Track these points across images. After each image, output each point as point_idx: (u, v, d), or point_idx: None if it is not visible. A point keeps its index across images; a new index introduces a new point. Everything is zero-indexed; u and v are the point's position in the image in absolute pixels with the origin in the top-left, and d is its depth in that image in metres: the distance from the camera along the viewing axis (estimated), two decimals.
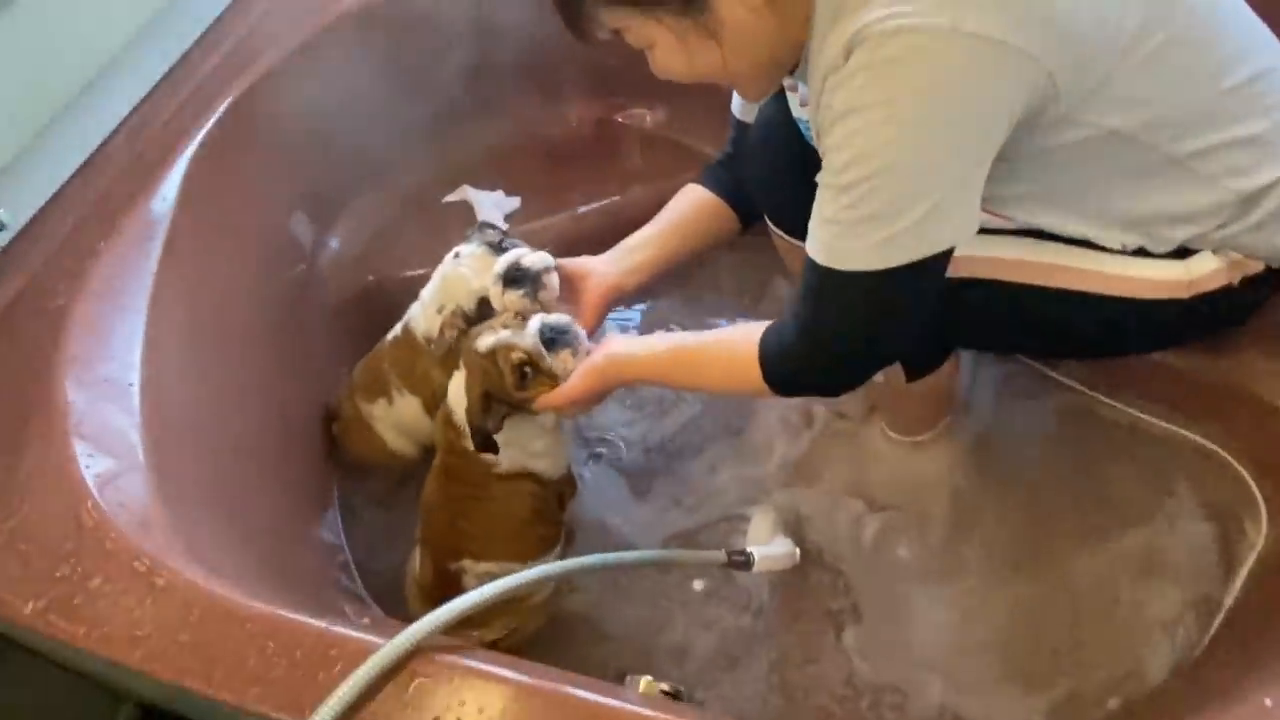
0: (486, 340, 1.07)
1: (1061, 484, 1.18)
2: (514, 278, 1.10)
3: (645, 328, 1.51)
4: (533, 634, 1.18)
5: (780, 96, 1.08)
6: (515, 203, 1.65)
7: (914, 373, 1.09)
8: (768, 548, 1.12)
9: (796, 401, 1.33)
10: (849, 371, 0.87)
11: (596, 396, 1.06)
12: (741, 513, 1.28)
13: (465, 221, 1.60)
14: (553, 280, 1.10)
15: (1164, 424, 1.17)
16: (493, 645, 1.13)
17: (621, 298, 1.15)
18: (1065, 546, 1.13)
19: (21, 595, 0.85)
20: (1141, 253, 0.92)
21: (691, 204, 1.18)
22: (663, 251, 1.16)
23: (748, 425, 1.35)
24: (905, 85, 0.72)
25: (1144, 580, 1.09)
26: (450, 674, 0.73)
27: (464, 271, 1.16)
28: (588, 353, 1.06)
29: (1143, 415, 1.19)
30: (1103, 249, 0.92)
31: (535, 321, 1.06)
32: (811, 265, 0.81)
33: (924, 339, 1.03)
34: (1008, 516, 1.18)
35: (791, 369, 0.88)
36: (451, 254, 1.20)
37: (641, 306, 1.53)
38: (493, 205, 1.63)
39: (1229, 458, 1.10)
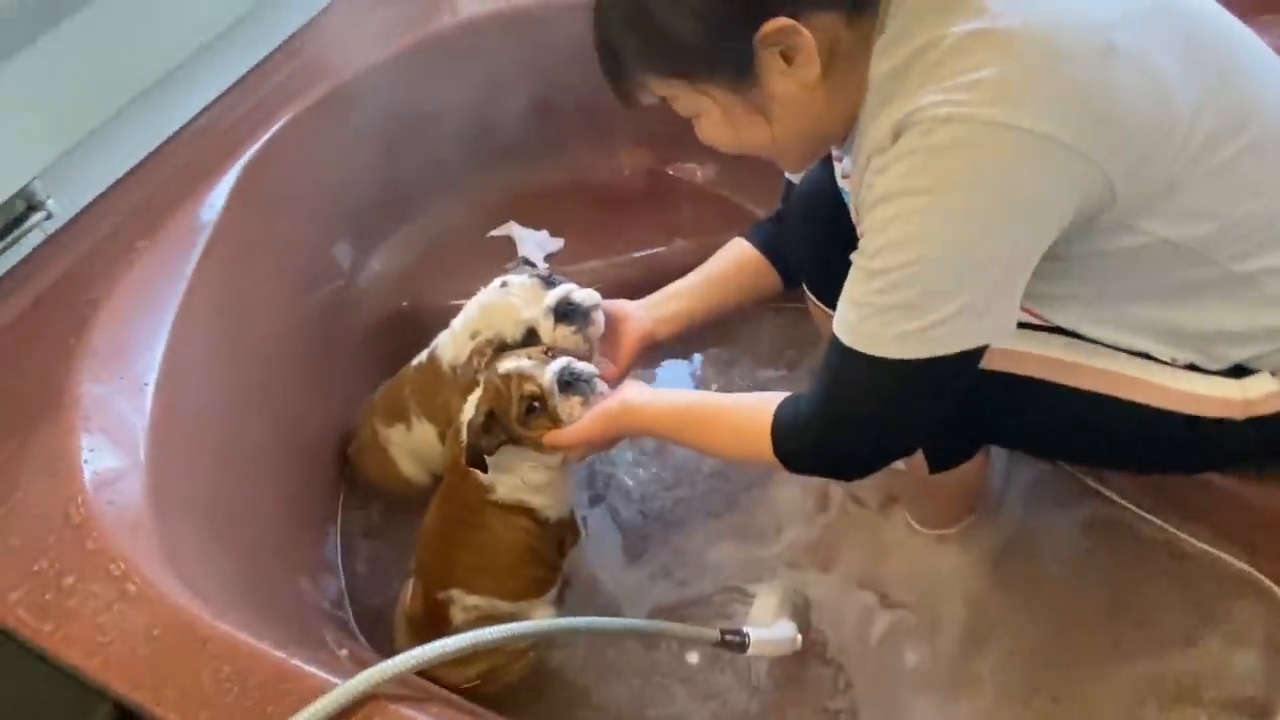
0: (508, 364, 1.08)
1: (1091, 599, 1.12)
2: (565, 312, 1.10)
3: (675, 384, 1.49)
4: (514, 683, 1.15)
5: (829, 161, 1.06)
6: (558, 244, 1.65)
7: (938, 464, 1.05)
8: (767, 630, 1.08)
9: (814, 483, 1.29)
10: (862, 457, 0.85)
11: (606, 441, 1.05)
12: (740, 588, 1.23)
13: (506, 257, 1.61)
14: (600, 318, 1.12)
15: (1206, 547, 1.11)
16: (470, 689, 1.10)
17: (656, 344, 1.15)
18: (1090, 667, 1.06)
19: (1, 585, 0.84)
20: (1193, 368, 0.88)
21: (735, 258, 1.18)
22: (701, 303, 1.16)
23: (759, 501, 1.31)
24: (950, 176, 0.70)
25: (1176, 709, 1.01)
26: None
27: (514, 301, 1.15)
28: (601, 398, 1.06)
29: (1182, 535, 1.13)
30: (1150, 358, 0.88)
31: (560, 362, 1.07)
32: (835, 343, 0.79)
33: (949, 431, 0.99)
34: (1029, 629, 1.11)
35: (803, 445, 0.86)
36: (498, 282, 1.19)
37: (675, 361, 1.51)
38: (535, 244, 1.63)
39: (1276, 589, 1.05)
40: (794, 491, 1.31)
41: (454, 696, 0.93)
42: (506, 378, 1.07)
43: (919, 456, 1.03)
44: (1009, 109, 0.68)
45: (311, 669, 0.74)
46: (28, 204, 1.16)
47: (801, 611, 1.16)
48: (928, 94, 0.70)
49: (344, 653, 1.06)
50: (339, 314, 1.48)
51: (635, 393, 1.03)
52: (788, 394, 0.89)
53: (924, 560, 1.20)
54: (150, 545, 0.88)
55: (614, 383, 1.10)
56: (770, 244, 1.17)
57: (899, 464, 0.93)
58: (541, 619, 1.10)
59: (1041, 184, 0.71)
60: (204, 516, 1.02)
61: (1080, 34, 0.70)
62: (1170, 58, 0.74)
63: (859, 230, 0.77)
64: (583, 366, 1.07)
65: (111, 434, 0.98)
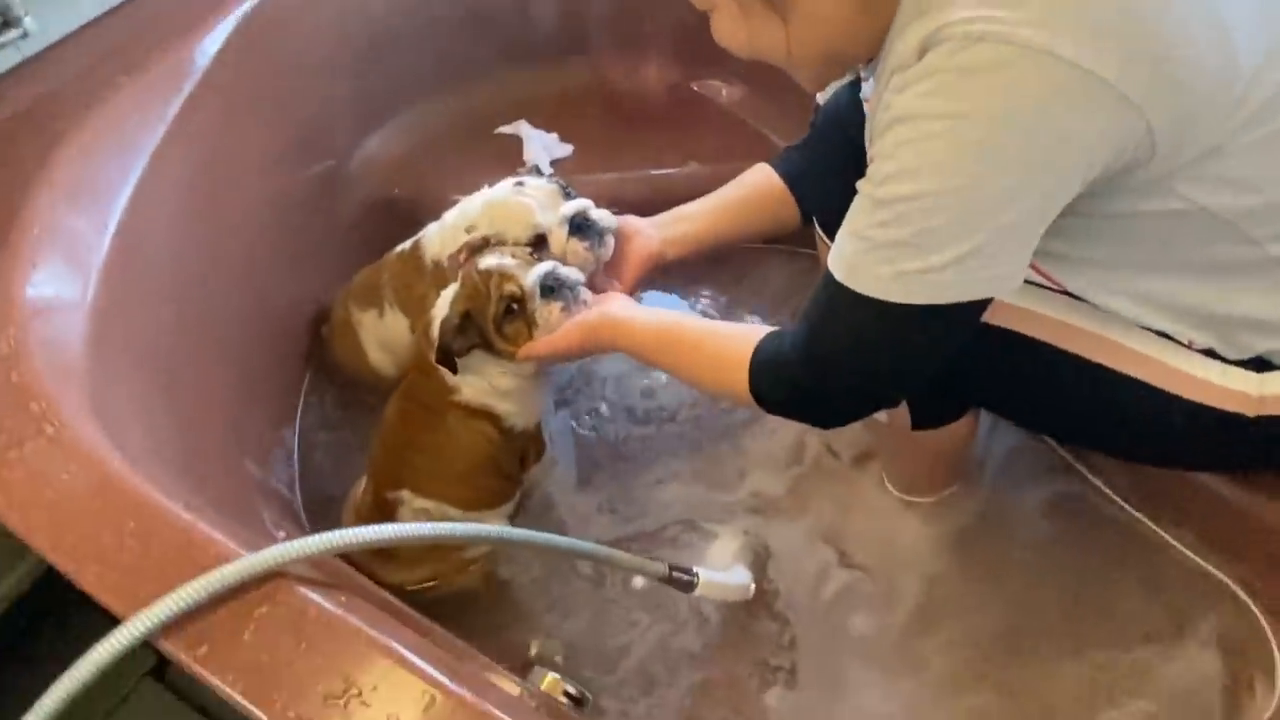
0: (489, 260, 1.05)
1: (1057, 585, 1.08)
2: (580, 226, 1.09)
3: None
4: (459, 593, 1.13)
5: (858, 84, 1.02)
6: (567, 150, 1.59)
7: (922, 420, 1.00)
8: (720, 574, 1.06)
9: (789, 437, 1.26)
10: (842, 402, 0.80)
11: (581, 353, 1.02)
12: (696, 524, 1.21)
13: (510, 158, 1.56)
14: (612, 242, 1.10)
15: (1188, 553, 1.06)
16: (414, 594, 1.09)
17: (663, 265, 1.12)
18: (1046, 655, 1.03)
19: None
20: (1210, 354, 0.82)
21: (755, 184, 1.14)
22: (713, 227, 1.12)
23: (730, 452, 1.27)
24: (974, 103, 0.64)
25: (1129, 702, 0.98)
26: (303, 612, 0.66)
27: (528, 202, 1.12)
28: (583, 308, 1.03)
29: (1167, 536, 1.08)
30: (1166, 336, 0.82)
31: (546, 265, 1.04)
32: (828, 277, 0.75)
33: (938, 386, 0.94)
34: (985, 614, 1.07)
35: (779, 383, 0.81)
36: (511, 181, 1.16)
37: (673, 298, 1.46)
38: (542, 147, 1.57)
39: (1251, 605, 1.00)
40: (768, 444, 1.28)
41: (373, 587, 0.91)
42: (486, 274, 1.04)
43: (902, 410, 0.99)
44: (1049, 33, 0.61)
45: (221, 538, 0.70)
46: (3, 18, 1.11)
47: (760, 563, 1.14)
48: (961, 7, 0.64)
49: (281, 534, 1.03)
50: (327, 192, 1.43)
51: (618, 307, 1.00)
52: (775, 328, 0.85)
53: (890, 524, 1.17)
54: (79, 389, 0.84)
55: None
56: (795, 174, 1.13)
57: (880, 415, 0.91)
58: (482, 525, 1.05)
59: (1075, 124, 0.64)
60: (150, 373, 0.99)
61: None
62: (1241, 6, 0.67)
63: (869, 155, 0.73)
64: (568, 272, 1.04)
65: (61, 270, 0.94)
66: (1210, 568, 1.04)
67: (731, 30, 0.78)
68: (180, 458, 0.93)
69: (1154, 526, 1.09)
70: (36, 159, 1.02)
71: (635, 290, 1.11)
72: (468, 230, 1.17)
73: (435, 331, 1.08)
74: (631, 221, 1.13)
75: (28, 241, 0.94)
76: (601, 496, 1.26)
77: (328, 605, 0.67)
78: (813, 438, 1.26)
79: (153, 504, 0.74)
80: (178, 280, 1.09)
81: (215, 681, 0.62)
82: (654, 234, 1.12)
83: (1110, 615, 1.05)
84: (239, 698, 0.61)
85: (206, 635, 0.64)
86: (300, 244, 1.36)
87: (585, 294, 1.05)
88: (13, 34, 1.10)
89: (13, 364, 0.83)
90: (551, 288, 1.03)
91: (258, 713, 0.60)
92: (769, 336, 0.84)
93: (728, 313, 1.44)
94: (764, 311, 1.44)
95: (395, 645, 0.65)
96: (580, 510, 1.25)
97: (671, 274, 1.20)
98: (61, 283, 0.93)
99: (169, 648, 0.64)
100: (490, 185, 1.19)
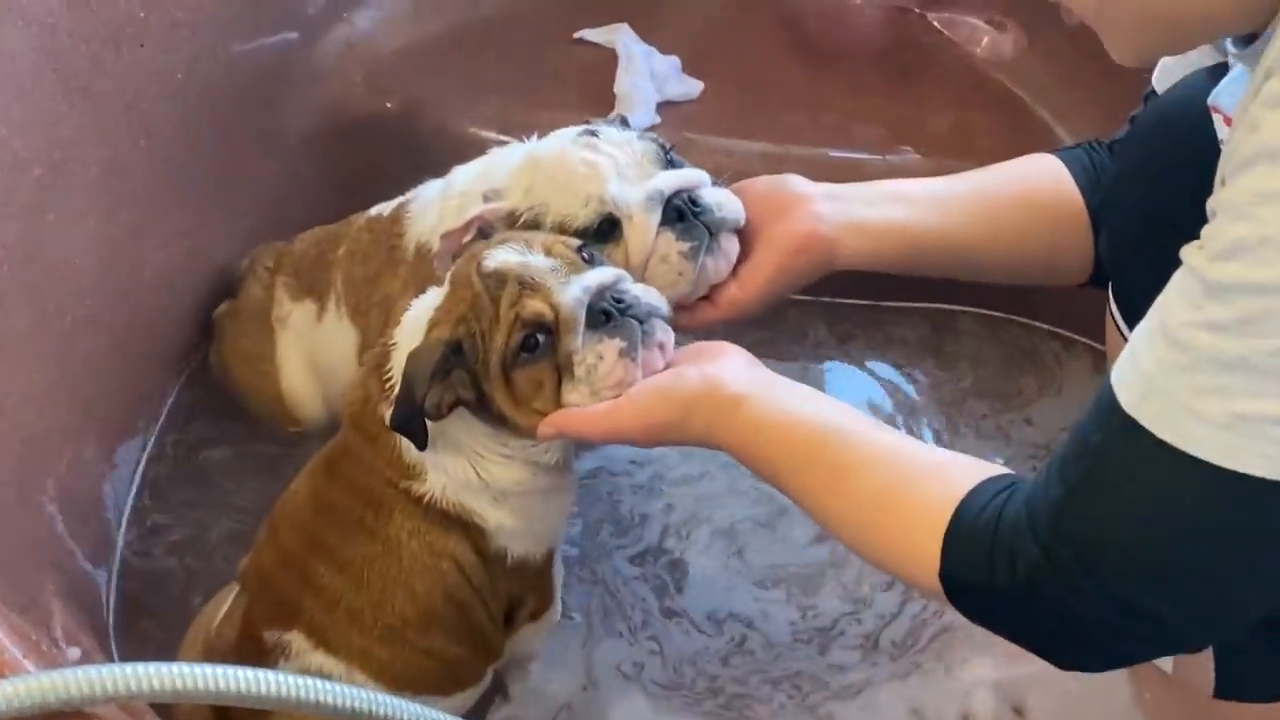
0: (500, 257, 1.01)
1: None
2: (681, 213, 1.08)
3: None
4: None
5: (1221, 72, 1.00)
6: (693, 88, 1.58)
7: (1236, 686, 0.98)
8: None
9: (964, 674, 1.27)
10: (1106, 627, 0.77)
11: (649, 439, 1.02)
12: None
13: (589, 86, 1.54)
14: (735, 249, 1.10)
15: None
16: None
17: (829, 268, 1.12)
18: None
19: None
20: None
21: (1031, 178, 1.14)
22: (946, 224, 1.12)
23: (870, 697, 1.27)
24: None
25: None
26: None
27: (601, 161, 1.11)
28: (658, 367, 1.02)
29: None
30: None
31: (603, 273, 1.01)
32: (1109, 401, 0.75)
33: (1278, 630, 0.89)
34: None
35: (998, 570, 0.79)
36: (576, 130, 1.16)
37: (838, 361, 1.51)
38: (648, 76, 1.53)
39: None
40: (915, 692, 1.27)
41: None
42: (496, 279, 1.00)
43: (1204, 661, 0.97)
44: None
45: None
46: None
47: None
48: None
49: (74, 652, 1.02)
50: (276, 87, 1.44)
51: (734, 369, 0.99)
52: (1002, 471, 0.85)
53: None
54: None
55: (710, 326, 1.11)
56: (1096, 187, 1.12)
57: (1164, 662, 0.94)
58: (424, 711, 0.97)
59: None
60: None
61: None
62: None
63: (1210, 205, 0.73)
64: (639, 291, 1.02)
65: None
66: None
67: None
68: None
69: None
70: None
71: (759, 307, 1.12)
72: (486, 198, 1.13)
73: (395, 369, 1.04)
74: (784, 184, 1.14)
75: None
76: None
77: None
78: (988, 693, 1.24)
79: None
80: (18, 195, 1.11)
81: None
82: (829, 209, 1.11)
83: None
84: None
85: None
86: (209, 168, 1.37)
87: (666, 333, 1.02)
88: None
89: None
90: (607, 314, 0.99)
91: None
92: (988, 484, 0.84)
93: (940, 406, 1.46)
94: (983, 402, 1.47)
95: None
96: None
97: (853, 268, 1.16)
98: None
99: None
100: (541, 133, 1.18)
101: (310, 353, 1.34)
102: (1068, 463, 0.77)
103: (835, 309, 1.56)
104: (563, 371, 1.00)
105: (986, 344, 1.53)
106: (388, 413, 1.03)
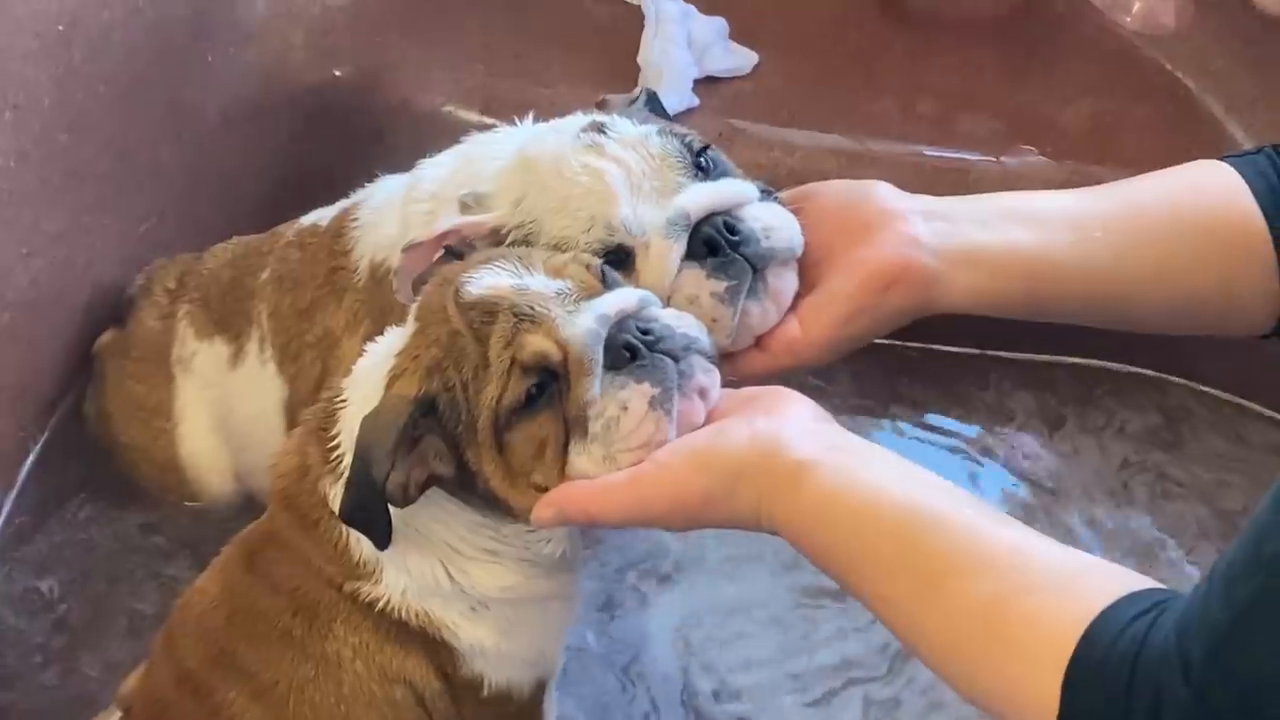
0: (488, 281, 1.00)
1: None
2: (714, 243, 1.07)
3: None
4: None
5: None
6: (746, 61, 1.60)
7: None
8: None
9: None
10: None
11: (687, 522, 1.02)
12: None
13: (609, 52, 1.58)
14: (791, 285, 1.10)
15: None
16: None
17: (926, 304, 1.11)
18: None
19: None
20: None
21: (1195, 196, 1.13)
22: (1089, 253, 1.12)
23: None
24: None
25: None
26: None
27: (609, 171, 1.10)
28: (697, 421, 1.01)
29: None
30: None
31: (624, 296, 1.01)
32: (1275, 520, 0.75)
33: None
34: None
35: (1136, 716, 0.79)
36: (581, 118, 1.16)
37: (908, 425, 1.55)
38: (685, 44, 1.56)
39: None
40: None
41: None
42: (484, 310, 0.99)
43: None
44: None
45: None
46: None
47: None
48: None
49: None
50: (191, 47, 1.47)
51: (798, 426, 0.99)
52: (1148, 584, 0.84)
53: None
54: None
55: (758, 378, 1.09)
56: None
57: None
58: None
59: None
60: None
61: None
62: None
63: None
64: (671, 317, 1.02)
65: None
66: None
67: None
68: None
69: None
70: None
71: (835, 353, 1.12)
72: (465, 205, 1.14)
73: (345, 435, 1.04)
74: (866, 194, 1.14)
75: None
76: None
77: None
78: None
79: None
80: None
81: None
82: (925, 232, 1.11)
83: None
84: None
85: None
86: (96, 153, 1.39)
87: (709, 373, 1.02)
88: None
89: None
90: (632, 349, 0.98)
91: None
92: (1127, 601, 0.83)
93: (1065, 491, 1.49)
94: (1104, 477, 1.51)
95: None
96: None
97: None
98: None
99: None
100: (539, 116, 1.21)
101: (220, 407, 1.35)
102: (1236, 575, 0.77)
103: (917, 357, 1.56)
104: (571, 429, 0.99)
105: (1132, 412, 1.54)
106: (331, 490, 1.03)
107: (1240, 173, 1.13)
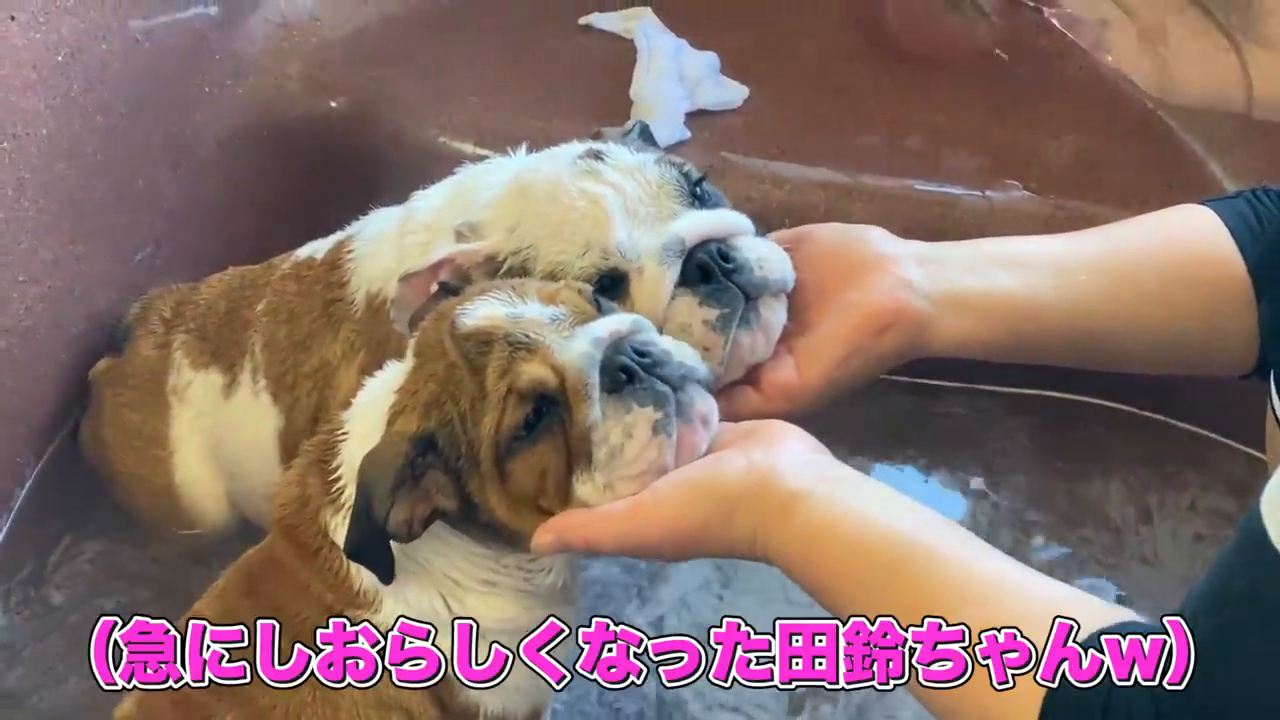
0: (482, 312, 1.00)
1: None
2: (705, 270, 1.08)
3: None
4: None
5: None
6: (736, 95, 1.60)
7: None
8: None
9: None
10: None
11: (678, 551, 1.02)
12: None
13: (598, 90, 1.58)
14: (781, 317, 1.10)
15: None
16: None
17: (918, 347, 1.12)
18: None
19: None
20: None
21: (1178, 239, 1.15)
22: (1072, 295, 1.12)
23: None
24: None
25: None
26: None
27: (605, 197, 1.11)
28: (700, 450, 1.01)
29: None
30: None
31: (618, 320, 1.01)
32: (1258, 537, 0.76)
33: None
34: None
35: None
36: (578, 147, 1.17)
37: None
38: (678, 79, 1.57)
39: None
40: None
41: None
42: (479, 341, 0.99)
43: None
44: None
45: None
46: None
47: None
48: None
49: None
50: (188, 79, 1.48)
51: (793, 458, 0.99)
52: (1124, 616, 0.85)
53: None
54: None
55: (752, 419, 1.08)
56: (1262, 242, 1.13)
57: None
58: None
59: None
60: None
61: None
62: None
63: None
64: (669, 345, 1.02)
65: None
66: None
67: None
68: None
69: None
70: None
71: (829, 396, 1.12)
72: (460, 235, 1.14)
73: (346, 469, 1.04)
74: (859, 238, 1.15)
75: None
76: None
77: None
78: None
79: None
80: None
81: None
82: (917, 276, 1.12)
83: None
84: None
85: None
86: (93, 182, 1.39)
87: (707, 401, 1.02)
88: None
89: None
90: (629, 372, 0.98)
91: None
92: (1102, 634, 0.84)
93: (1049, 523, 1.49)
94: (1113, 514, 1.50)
95: None
96: None
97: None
98: None
99: None
100: (532, 147, 1.20)
101: (214, 436, 1.35)
102: (1203, 612, 0.78)
103: (909, 393, 1.56)
104: (574, 457, 0.99)
105: (1115, 447, 1.54)
106: (332, 521, 1.04)
107: (1221, 216, 1.14)
